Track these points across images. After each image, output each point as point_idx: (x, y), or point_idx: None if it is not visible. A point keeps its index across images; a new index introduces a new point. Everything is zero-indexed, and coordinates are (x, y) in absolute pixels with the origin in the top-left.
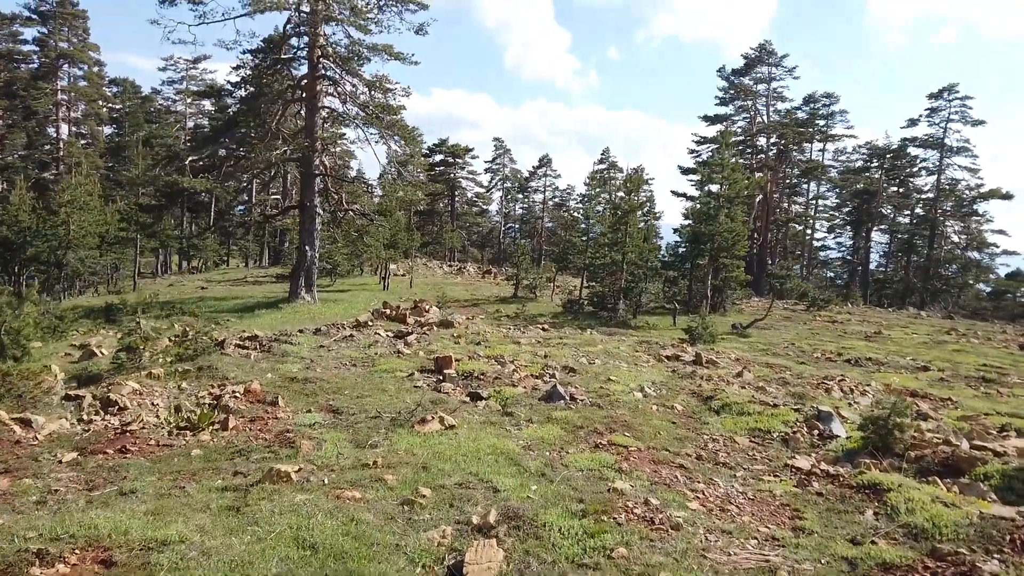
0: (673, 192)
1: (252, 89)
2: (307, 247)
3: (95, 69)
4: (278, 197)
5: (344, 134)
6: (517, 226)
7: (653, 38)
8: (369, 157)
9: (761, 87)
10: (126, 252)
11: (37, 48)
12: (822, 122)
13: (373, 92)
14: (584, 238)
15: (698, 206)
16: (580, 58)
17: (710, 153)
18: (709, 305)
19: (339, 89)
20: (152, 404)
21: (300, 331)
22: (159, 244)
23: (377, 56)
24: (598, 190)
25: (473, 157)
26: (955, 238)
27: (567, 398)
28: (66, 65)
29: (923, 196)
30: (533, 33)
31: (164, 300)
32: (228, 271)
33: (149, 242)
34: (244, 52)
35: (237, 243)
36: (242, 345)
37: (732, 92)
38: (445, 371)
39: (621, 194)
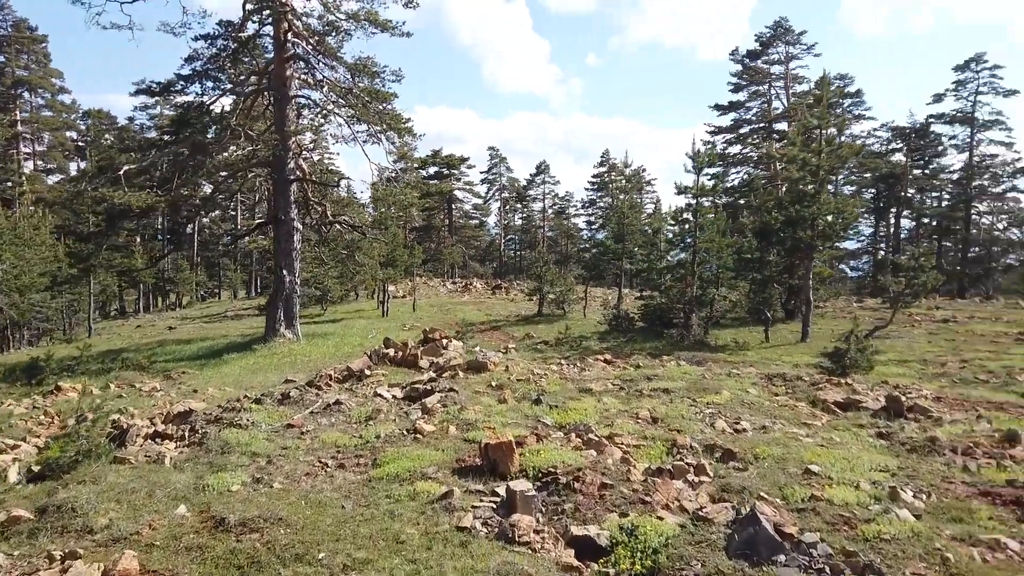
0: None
1: (208, 83)
2: (284, 271)
3: (60, 98)
4: (262, 219)
5: (324, 126)
6: (517, 237)
7: (629, 44)
8: (353, 163)
9: (777, 68)
10: (82, 292)
11: None
12: (845, 103)
13: (357, 77)
14: (612, 243)
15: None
16: (561, 66)
17: (724, 144)
18: (805, 312)
19: (315, 75)
20: None
21: (263, 396)
22: (122, 281)
23: (359, 29)
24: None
25: (469, 167)
26: (989, 219)
27: (787, 547)
28: (26, 93)
29: (952, 175)
30: (512, 44)
31: (114, 348)
32: (211, 305)
33: (107, 278)
34: (196, 38)
35: (224, 275)
36: (161, 435)
37: (747, 76)
38: (504, 470)
39: (678, 182)
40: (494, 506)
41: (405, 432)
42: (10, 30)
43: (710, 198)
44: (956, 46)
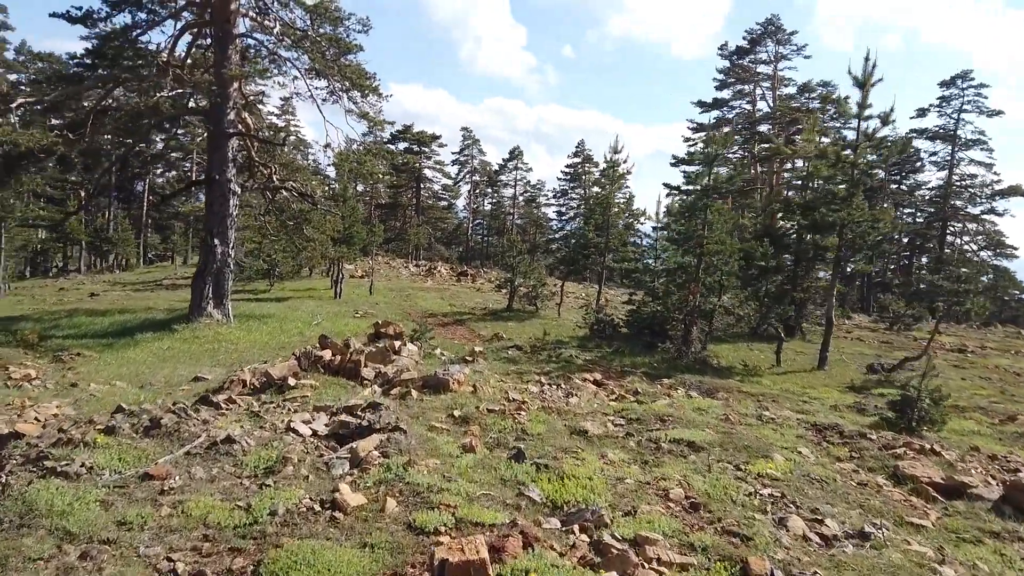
0: (667, 185)
1: (140, 14)
2: (215, 239)
3: (1, 35)
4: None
5: (272, 72)
6: (485, 222)
7: (606, 38)
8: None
9: (764, 68)
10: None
11: None
12: (830, 110)
13: (317, 23)
14: (594, 235)
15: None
16: (536, 55)
17: (704, 143)
18: (826, 333)
19: (267, 14)
20: None
21: (123, 419)
22: (53, 237)
23: None
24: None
25: (441, 145)
26: (964, 239)
27: None
28: None
29: (929, 193)
30: (489, 27)
31: (12, 314)
32: (152, 271)
33: (25, 232)
34: None
35: (171, 239)
36: None
37: (734, 73)
38: None
39: (692, 168)
40: None
41: (319, 505)
42: None
43: (724, 188)
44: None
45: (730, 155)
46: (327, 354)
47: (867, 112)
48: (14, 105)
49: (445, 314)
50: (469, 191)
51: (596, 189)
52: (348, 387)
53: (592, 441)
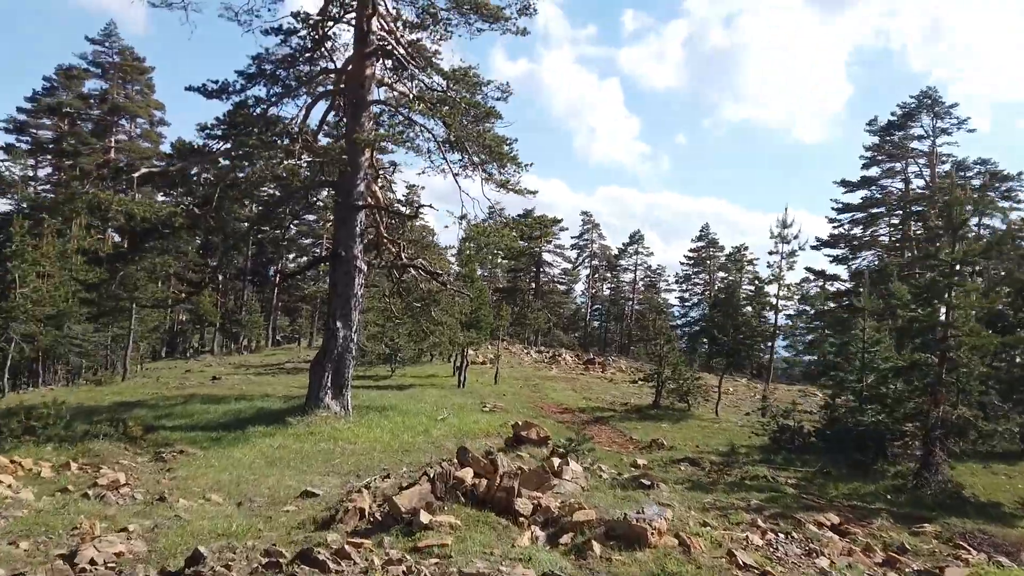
0: (809, 269)
1: (274, 87)
2: (338, 322)
3: (159, 130)
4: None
5: (406, 134)
6: (603, 307)
7: (721, 124)
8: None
9: (918, 144)
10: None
11: (96, 102)
12: (1000, 187)
13: (453, 88)
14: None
15: None
16: (649, 143)
17: (850, 224)
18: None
19: (404, 77)
20: None
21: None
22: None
23: (462, 21)
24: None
25: (562, 229)
26: None
27: None
28: (124, 121)
29: None
30: (603, 119)
31: (129, 400)
32: (277, 353)
33: (151, 313)
34: (266, 32)
35: (297, 320)
36: None
37: (885, 151)
38: None
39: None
40: None
41: None
42: (116, 58)
43: (973, 266)
44: None
45: (883, 237)
46: (468, 475)
47: None
48: (136, 175)
49: (582, 409)
50: (588, 276)
51: (722, 274)
52: (499, 528)
53: None
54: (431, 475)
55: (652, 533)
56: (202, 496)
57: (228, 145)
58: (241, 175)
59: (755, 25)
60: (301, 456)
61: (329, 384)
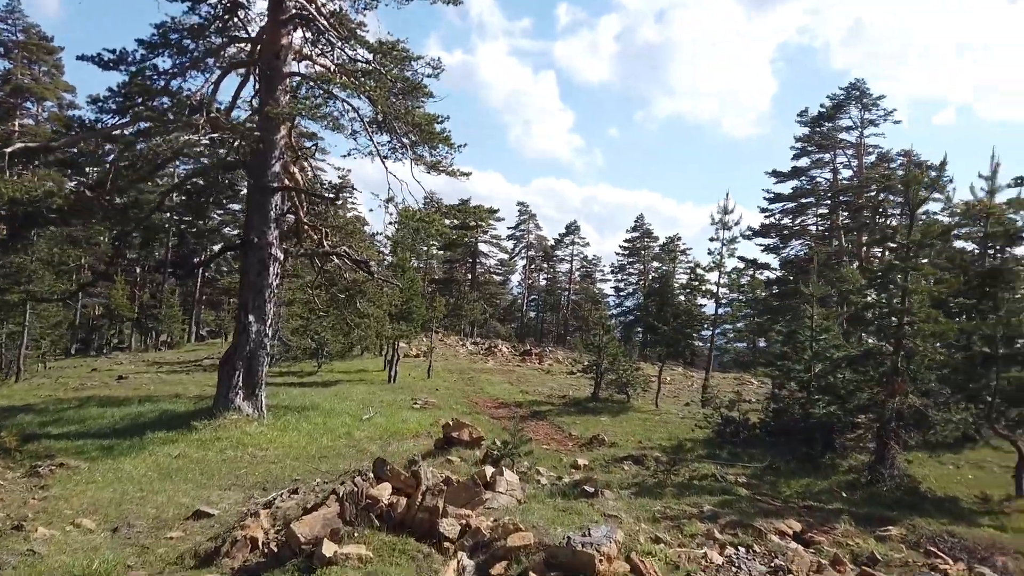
0: (742, 259)
1: (180, 57)
2: (250, 315)
3: (70, 113)
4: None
5: (325, 107)
6: (539, 298)
7: (652, 118)
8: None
9: (847, 135)
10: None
11: None
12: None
13: (379, 63)
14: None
15: None
16: (583, 136)
17: (780, 215)
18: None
19: (326, 49)
20: None
21: None
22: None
23: None
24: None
25: (498, 219)
26: None
27: None
28: (29, 104)
29: None
30: (538, 112)
31: (17, 403)
32: (197, 348)
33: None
34: None
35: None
36: None
37: (814, 141)
38: None
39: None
40: None
41: None
42: (20, 36)
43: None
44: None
45: (812, 226)
46: (386, 492)
47: None
48: (8, 150)
49: (518, 404)
50: (524, 266)
51: (656, 264)
52: (419, 557)
53: None
54: (340, 494)
55: (600, 560)
56: (71, 521)
57: (125, 119)
58: (138, 152)
59: (686, 20)
60: (202, 467)
61: (241, 384)
